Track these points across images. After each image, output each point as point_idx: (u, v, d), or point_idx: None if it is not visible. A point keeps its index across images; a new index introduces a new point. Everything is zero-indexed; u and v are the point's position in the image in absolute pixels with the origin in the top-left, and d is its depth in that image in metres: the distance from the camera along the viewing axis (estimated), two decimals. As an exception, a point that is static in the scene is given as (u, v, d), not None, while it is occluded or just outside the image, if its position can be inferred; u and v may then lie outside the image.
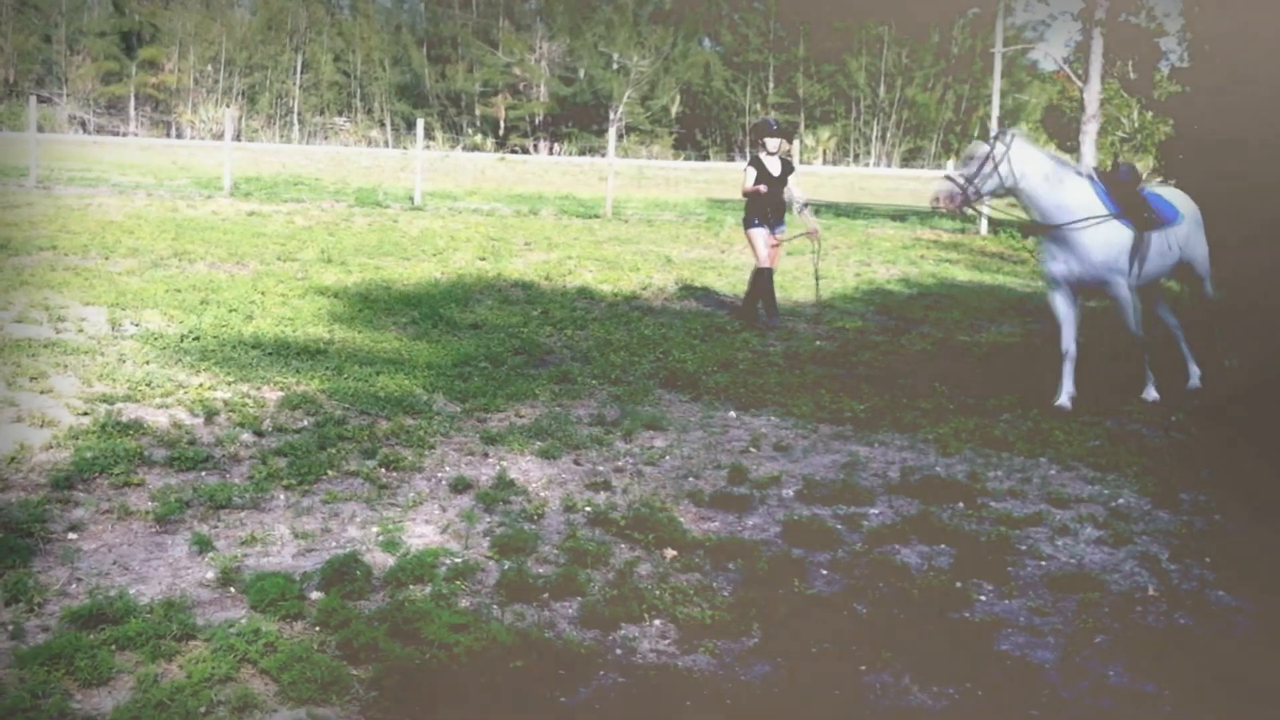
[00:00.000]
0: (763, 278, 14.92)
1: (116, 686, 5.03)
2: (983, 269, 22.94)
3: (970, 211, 12.04)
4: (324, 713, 4.95)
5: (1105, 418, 10.65)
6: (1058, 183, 11.13)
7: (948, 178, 11.27)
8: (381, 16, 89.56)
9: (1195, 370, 12.19)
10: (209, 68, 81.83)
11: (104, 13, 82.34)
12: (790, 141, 15.33)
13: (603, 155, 46.88)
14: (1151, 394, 11.50)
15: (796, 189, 15.02)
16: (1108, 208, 11.17)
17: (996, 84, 36.09)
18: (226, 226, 22.38)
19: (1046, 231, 11.25)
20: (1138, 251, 11.26)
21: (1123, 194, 11.40)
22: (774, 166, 14.83)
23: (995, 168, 11.05)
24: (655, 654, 5.70)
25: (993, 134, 11.50)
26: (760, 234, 14.79)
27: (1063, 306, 11.26)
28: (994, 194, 11.22)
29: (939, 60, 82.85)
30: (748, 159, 15.07)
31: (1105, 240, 11.14)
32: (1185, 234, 11.84)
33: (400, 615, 5.71)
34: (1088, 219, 11.04)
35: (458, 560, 6.61)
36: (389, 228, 24.10)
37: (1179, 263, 11.91)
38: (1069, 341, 11.20)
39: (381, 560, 6.56)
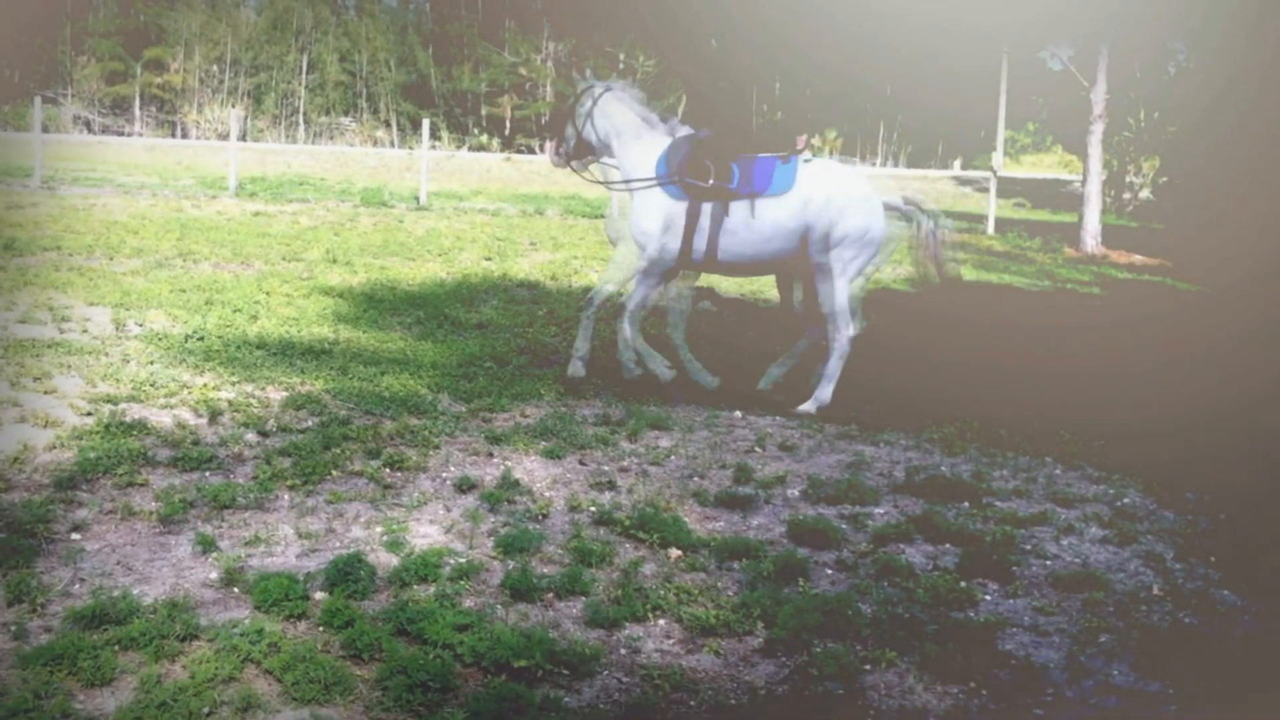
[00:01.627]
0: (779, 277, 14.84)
1: (119, 687, 5.03)
2: (989, 268, 22.93)
3: (583, 172, 11.57)
4: (328, 713, 4.95)
5: (1109, 419, 10.62)
6: (634, 140, 10.93)
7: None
8: (387, 16, 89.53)
9: (822, 393, 10.71)
10: (214, 68, 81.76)
11: (109, 12, 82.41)
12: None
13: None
14: (707, 379, 10.85)
15: None
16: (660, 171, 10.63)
17: (1003, 83, 36.04)
18: (231, 226, 22.38)
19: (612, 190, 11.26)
20: (681, 221, 10.60)
21: (696, 156, 10.56)
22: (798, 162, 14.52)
23: (589, 123, 11.11)
24: (660, 654, 5.70)
25: (587, 88, 11.29)
26: None
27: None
28: (590, 150, 11.23)
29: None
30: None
31: (639, 205, 10.79)
32: (797, 211, 10.47)
33: (404, 615, 5.71)
34: (631, 182, 10.85)
35: (462, 560, 6.61)
36: (394, 228, 24.09)
37: (795, 246, 10.60)
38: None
39: (385, 560, 6.56)
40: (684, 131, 10.93)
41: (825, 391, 10.67)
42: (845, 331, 10.73)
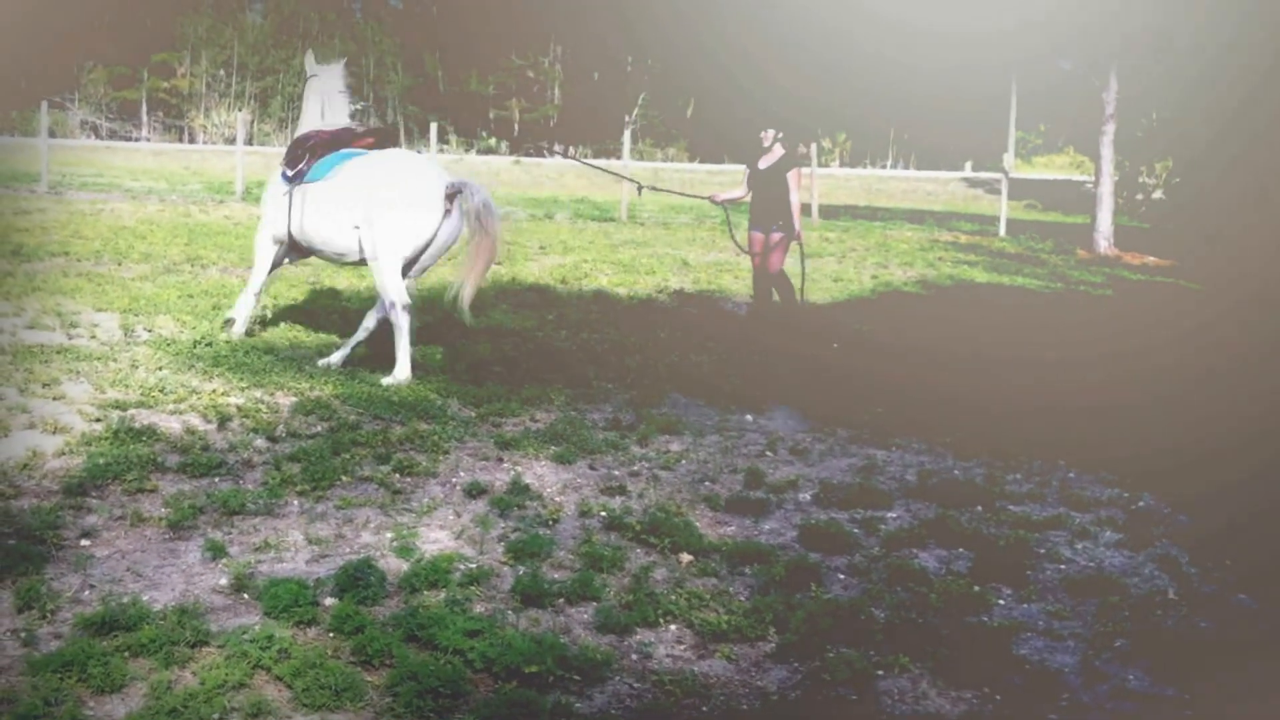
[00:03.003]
0: (754, 279, 14.64)
1: (129, 694, 5.01)
2: (1001, 271, 22.89)
3: None
4: (338, 719, 4.93)
5: (1121, 422, 10.57)
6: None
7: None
8: (394, 20, 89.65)
9: (399, 369, 10.88)
10: (221, 72, 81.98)
11: (116, 17, 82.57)
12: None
13: (618, 158, 46.88)
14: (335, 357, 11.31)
15: (795, 192, 13.86)
16: None
17: (1014, 83, 36.01)
18: (239, 231, 22.38)
19: None
20: (282, 205, 11.51)
21: (294, 147, 11.62)
22: (765, 162, 14.35)
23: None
24: (671, 659, 5.68)
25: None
26: (752, 237, 14.35)
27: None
28: None
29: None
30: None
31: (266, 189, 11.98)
32: (337, 200, 11.06)
33: (414, 621, 5.69)
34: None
35: (472, 566, 6.59)
36: (402, 232, 24.05)
37: (345, 231, 11.11)
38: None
39: (395, 566, 6.54)
40: (340, 125, 11.89)
41: (400, 365, 10.94)
42: (395, 312, 10.92)
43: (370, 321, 11.40)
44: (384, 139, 11.80)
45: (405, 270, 11.03)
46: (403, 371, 10.85)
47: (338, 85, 12.09)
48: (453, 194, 10.93)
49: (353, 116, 12.10)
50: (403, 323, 10.86)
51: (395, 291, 10.91)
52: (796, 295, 14.37)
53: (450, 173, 11.36)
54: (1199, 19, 28.58)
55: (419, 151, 44.88)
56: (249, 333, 12.11)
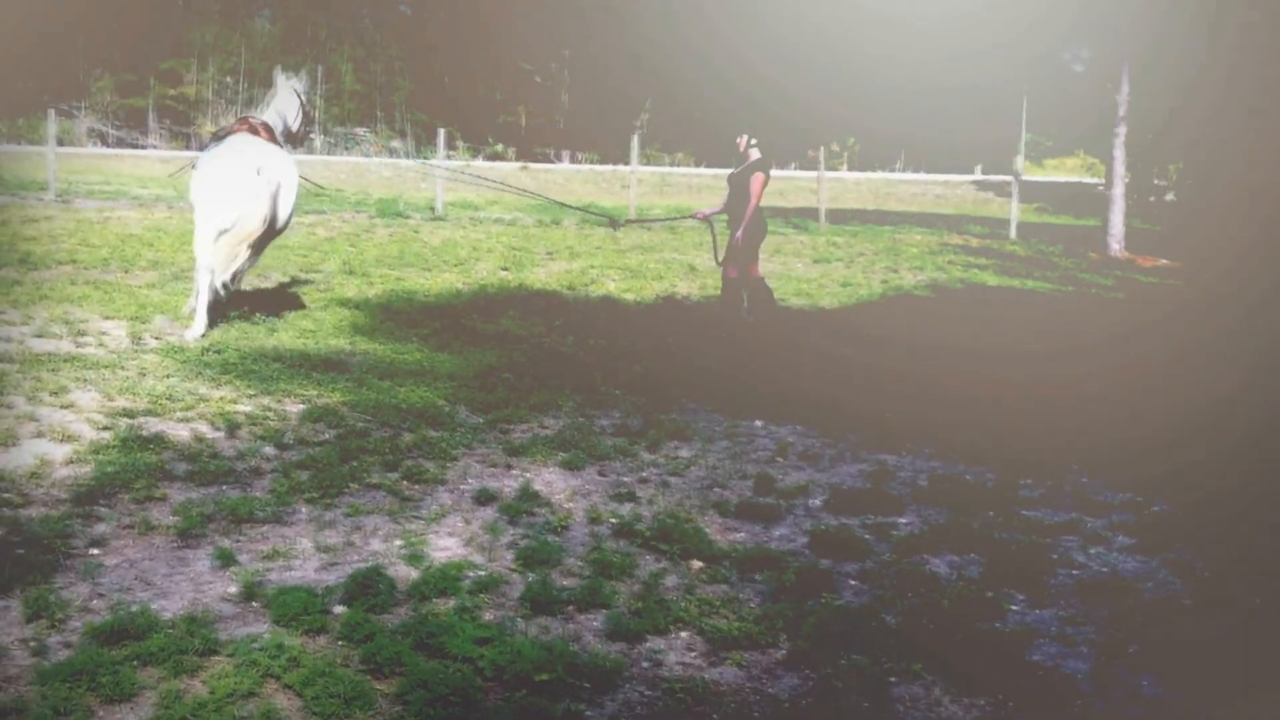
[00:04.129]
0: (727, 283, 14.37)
1: (139, 703, 4.99)
2: (1012, 274, 22.86)
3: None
4: (348, 729, 4.91)
5: (1134, 425, 10.54)
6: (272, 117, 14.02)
7: None
8: (402, 26, 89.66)
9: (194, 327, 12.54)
10: (228, 79, 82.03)
11: (123, 24, 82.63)
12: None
13: (625, 163, 46.81)
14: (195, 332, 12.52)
15: (754, 197, 13.58)
16: None
17: (1024, 86, 35.94)
18: (247, 238, 22.33)
19: None
20: None
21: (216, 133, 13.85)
22: (740, 167, 14.06)
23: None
24: (682, 666, 5.65)
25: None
26: (730, 242, 14.15)
27: None
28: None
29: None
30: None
31: None
32: (192, 183, 13.10)
33: (424, 629, 5.67)
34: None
35: (482, 573, 6.56)
36: (410, 238, 24.08)
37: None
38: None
39: (405, 574, 6.52)
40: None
41: (198, 320, 12.62)
42: (199, 272, 12.83)
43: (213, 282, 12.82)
44: (247, 127, 13.46)
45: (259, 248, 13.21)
46: (198, 327, 12.45)
47: (277, 88, 14.41)
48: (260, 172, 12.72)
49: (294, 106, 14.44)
50: (202, 282, 12.64)
51: (199, 255, 12.72)
52: (741, 300, 14.04)
53: (268, 155, 12.98)
54: (1210, 18, 28.51)
55: (425, 158, 44.79)
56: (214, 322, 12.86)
